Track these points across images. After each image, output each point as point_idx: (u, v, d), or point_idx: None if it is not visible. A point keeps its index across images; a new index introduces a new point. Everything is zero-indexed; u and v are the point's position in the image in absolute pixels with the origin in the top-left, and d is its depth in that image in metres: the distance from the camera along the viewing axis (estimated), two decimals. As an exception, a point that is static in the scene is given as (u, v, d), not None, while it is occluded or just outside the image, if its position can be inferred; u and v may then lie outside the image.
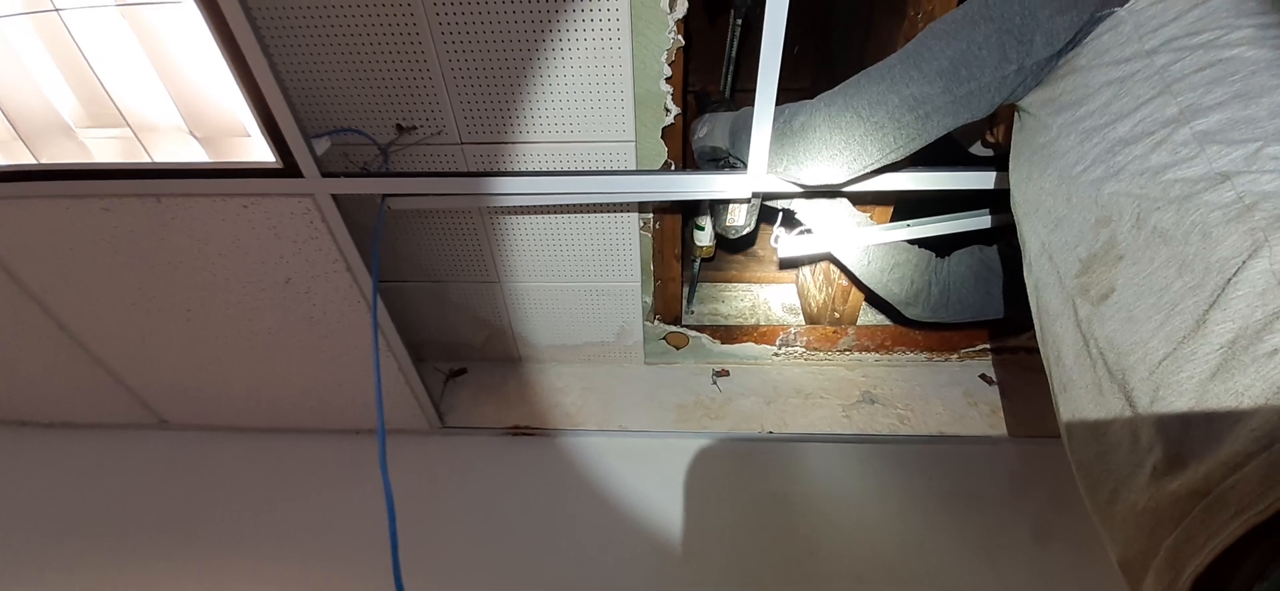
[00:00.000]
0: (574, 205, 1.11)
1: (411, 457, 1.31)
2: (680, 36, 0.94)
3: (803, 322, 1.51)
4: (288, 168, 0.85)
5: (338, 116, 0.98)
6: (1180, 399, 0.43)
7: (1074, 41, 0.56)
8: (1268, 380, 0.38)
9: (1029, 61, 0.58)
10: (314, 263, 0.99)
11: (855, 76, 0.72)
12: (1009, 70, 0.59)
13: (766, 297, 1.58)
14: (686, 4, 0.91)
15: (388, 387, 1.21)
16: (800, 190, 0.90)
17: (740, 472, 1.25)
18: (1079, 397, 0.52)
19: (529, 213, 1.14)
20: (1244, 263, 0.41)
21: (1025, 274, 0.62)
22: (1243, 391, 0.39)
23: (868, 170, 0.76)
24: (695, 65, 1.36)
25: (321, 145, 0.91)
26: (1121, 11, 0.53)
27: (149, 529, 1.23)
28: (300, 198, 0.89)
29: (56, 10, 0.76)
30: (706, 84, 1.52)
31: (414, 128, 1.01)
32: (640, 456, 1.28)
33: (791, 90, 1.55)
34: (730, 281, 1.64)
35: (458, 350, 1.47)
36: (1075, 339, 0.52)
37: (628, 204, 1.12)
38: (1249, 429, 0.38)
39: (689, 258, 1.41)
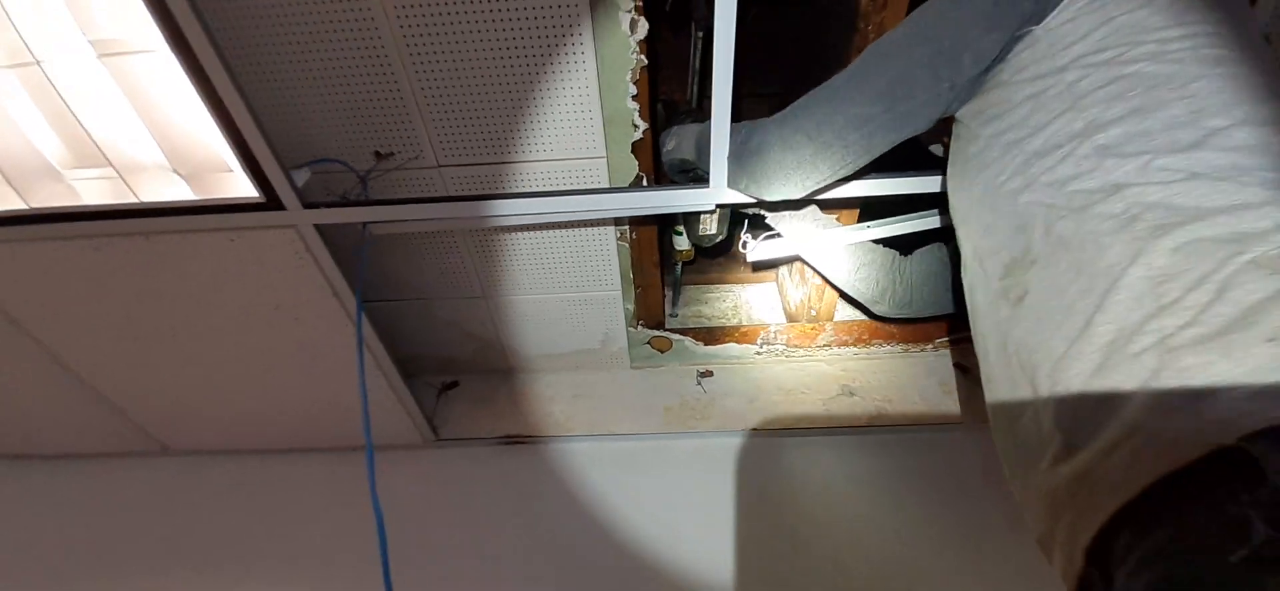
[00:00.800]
0: (549, 222, 1.15)
1: (407, 470, 1.34)
2: (643, 56, 0.97)
3: (784, 321, 1.55)
4: (270, 201, 0.88)
5: (317, 146, 1.02)
6: (1071, 393, 0.47)
7: (1000, 57, 0.60)
8: (1134, 377, 0.42)
9: (960, 79, 0.62)
10: (300, 289, 1.02)
11: (806, 96, 0.75)
12: (943, 88, 0.63)
13: (748, 298, 1.62)
14: (647, 25, 0.95)
15: (380, 404, 1.24)
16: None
17: (725, 470, 1.28)
18: (999, 391, 0.57)
19: (508, 230, 1.18)
20: (1125, 269, 0.45)
21: (962, 275, 0.66)
22: (1116, 386, 0.44)
23: (822, 185, 0.80)
24: (664, 74, 1.39)
25: (302, 176, 0.94)
26: (1038, 30, 0.56)
27: (154, 553, 1.27)
28: (283, 229, 0.92)
29: (37, 62, 0.79)
30: (675, 92, 1.55)
31: (392, 154, 1.04)
32: (628, 460, 1.32)
33: (763, 96, 1.59)
34: (712, 283, 1.68)
35: (449, 363, 1.50)
36: (998, 337, 0.56)
37: (602, 219, 1.15)
38: (1119, 420, 0.42)
39: (670, 262, 1.45)
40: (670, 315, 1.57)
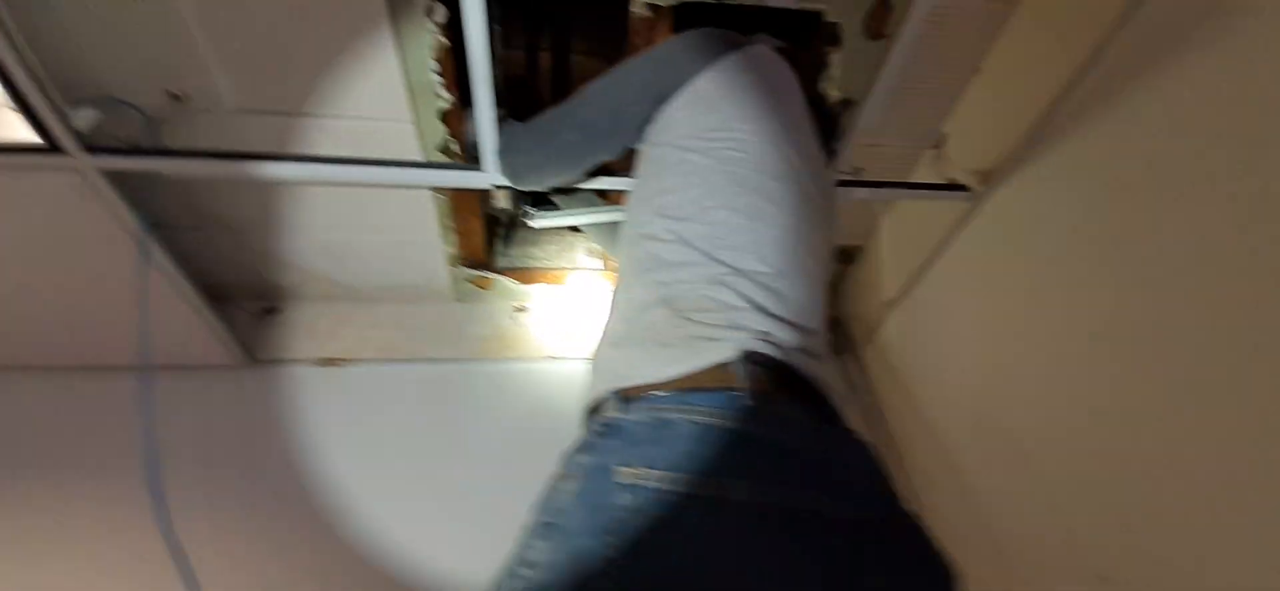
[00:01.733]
0: (342, 182, 1.21)
1: (217, 390, 1.41)
2: (444, 39, 1.08)
3: (599, 263, 1.78)
4: (50, 145, 0.90)
5: (105, 83, 1.00)
6: (596, 356, 0.73)
7: (649, 121, 0.81)
8: (600, 355, 0.70)
9: (628, 130, 0.83)
10: (86, 225, 1.04)
11: (541, 115, 0.93)
12: (616, 134, 0.84)
13: (575, 240, 1.82)
14: (446, 11, 1.05)
15: (181, 326, 1.28)
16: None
17: (527, 393, 1.53)
18: None
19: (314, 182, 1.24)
20: (623, 292, 0.71)
21: None
22: (598, 357, 0.71)
23: (559, 184, 1.00)
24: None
25: (87, 116, 0.94)
26: (664, 110, 0.78)
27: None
28: (67, 173, 0.94)
29: None
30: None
31: (187, 97, 1.07)
32: (440, 382, 1.51)
33: (603, 56, 1.70)
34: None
35: (270, 290, 1.55)
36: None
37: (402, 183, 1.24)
38: (596, 375, 0.69)
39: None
40: (502, 254, 1.73)
